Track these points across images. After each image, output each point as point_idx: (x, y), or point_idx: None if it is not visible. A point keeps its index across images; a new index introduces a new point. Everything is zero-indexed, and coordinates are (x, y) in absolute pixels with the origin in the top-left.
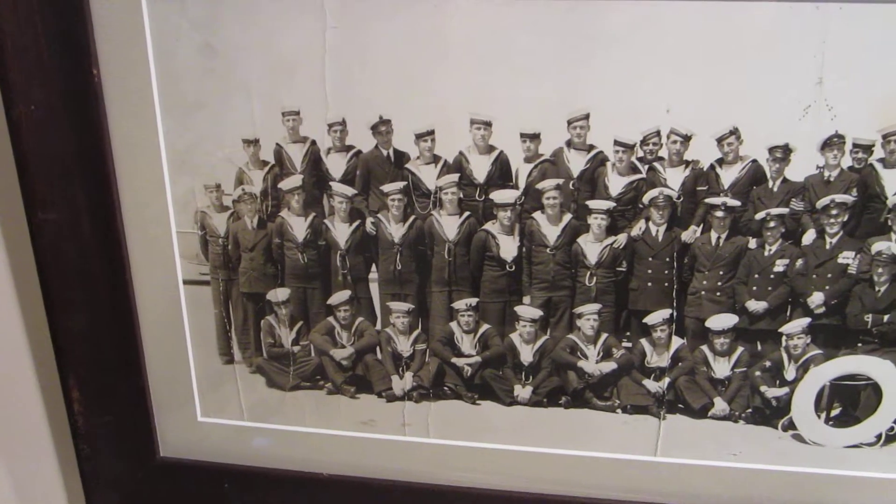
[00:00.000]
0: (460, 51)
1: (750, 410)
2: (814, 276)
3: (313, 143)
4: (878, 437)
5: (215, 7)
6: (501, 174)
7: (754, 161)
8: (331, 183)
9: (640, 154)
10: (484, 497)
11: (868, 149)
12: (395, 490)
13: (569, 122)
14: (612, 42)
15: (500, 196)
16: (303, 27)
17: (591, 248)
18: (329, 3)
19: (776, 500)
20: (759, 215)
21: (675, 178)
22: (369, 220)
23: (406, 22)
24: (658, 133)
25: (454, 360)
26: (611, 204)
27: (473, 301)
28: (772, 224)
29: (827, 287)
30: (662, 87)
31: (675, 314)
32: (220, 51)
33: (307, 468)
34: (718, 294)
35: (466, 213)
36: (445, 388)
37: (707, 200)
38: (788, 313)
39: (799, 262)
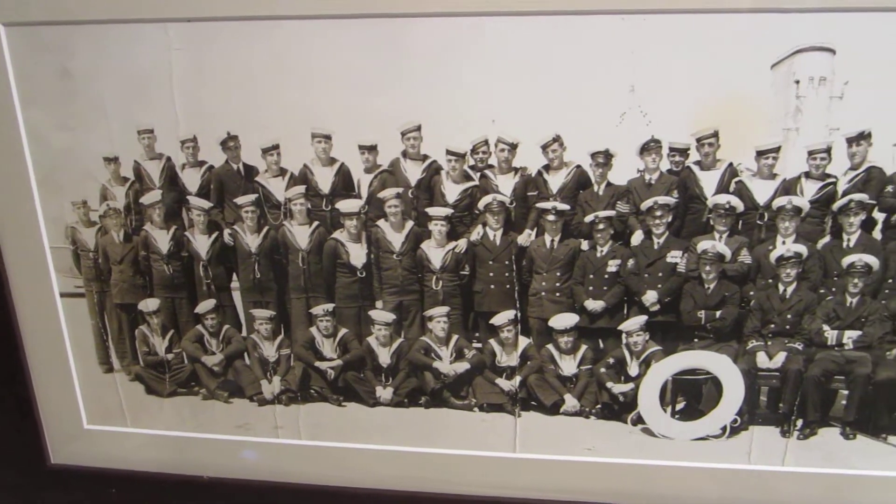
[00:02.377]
0: (298, 69)
1: (599, 406)
2: (646, 275)
3: (168, 159)
4: (724, 429)
5: (69, 33)
6: (345, 185)
7: (578, 166)
8: (188, 197)
9: (472, 162)
10: (355, 496)
11: (684, 152)
12: (272, 491)
13: (402, 134)
14: (437, 56)
15: (344, 206)
16: (150, 49)
17: (435, 253)
18: (172, 27)
19: (631, 492)
20: (588, 218)
21: (506, 185)
22: (226, 231)
23: (246, 43)
24: (486, 142)
25: (317, 363)
26: (449, 210)
27: (330, 306)
28: (601, 226)
29: (659, 285)
30: (487, 99)
31: (518, 315)
32: (76, 74)
33: (188, 471)
34: (558, 294)
35: (316, 223)
36: (312, 391)
37: (538, 205)
38: (626, 311)
39: (630, 262)
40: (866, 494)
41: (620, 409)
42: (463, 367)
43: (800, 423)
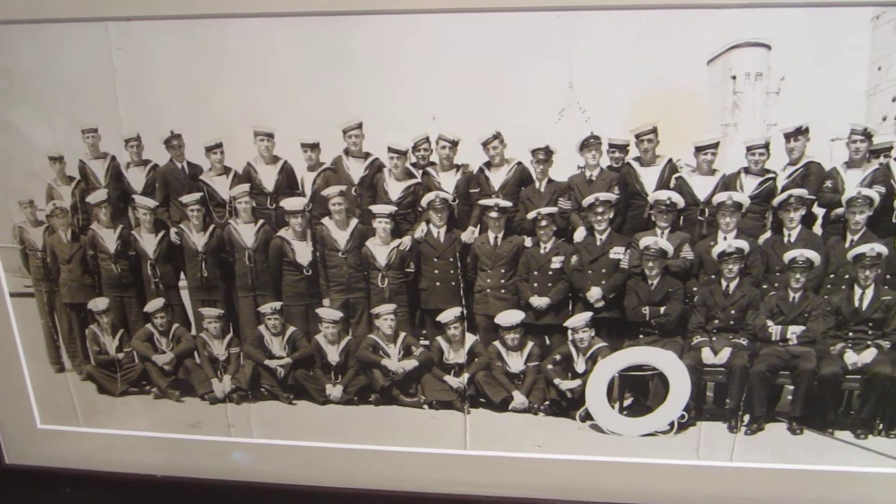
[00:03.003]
0: (240, 67)
1: (548, 403)
2: (589, 271)
3: (113, 158)
4: (672, 425)
5: (10, 33)
6: (288, 183)
7: (519, 163)
8: (133, 196)
9: (414, 160)
10: (307, 494)
11: (623, 148)
12: (225, 489)
13: (344, 132)
14: (377, 54)
15: (289, 204)
16: (92, 49)
17: (380, 250)
18: (112, 26)
19: (581, 489)
20: (531, 215)
21: (448, 182)
22: (173, 230)
23: (187, 42)
24: (427, 139)
25: (267, 361)
26: (392, 208)
27: (278, 304)
28: (543, 223)
29: (603, 282)
30: (427, 96)
31: (464, 312)
32: (17, 74)
33: (142, 470)
34: (503, 291)
35: (261, 221)
36: (263, 389)
37: (481, 202)
38: (571, 308)
39: (574, 259)
40: (814, 489)
41: (569, 406)
42: (411, 364)
43: (747, 418)
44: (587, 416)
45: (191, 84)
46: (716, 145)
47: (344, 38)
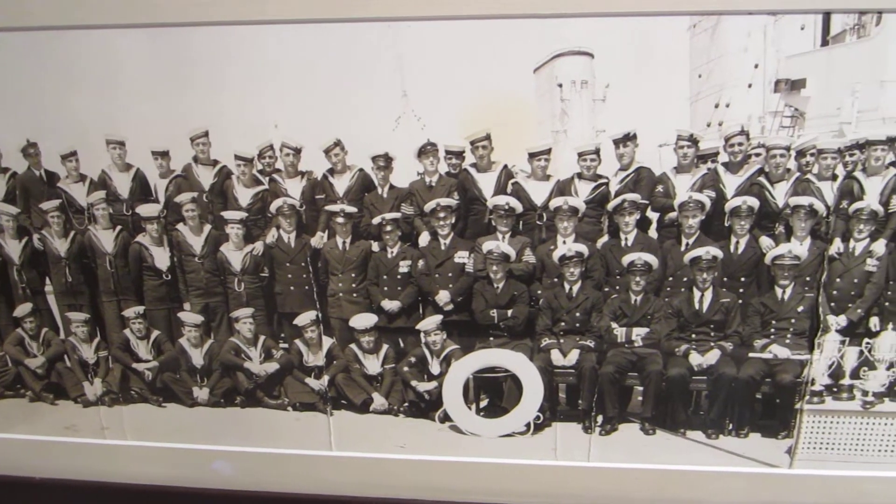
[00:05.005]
0: (90, 77)
1: (407, 404)
2: (436, 275)
3: None
4: (528, 426)
5: None
6: (142, 189)
7: (361, 170)
8: None
9: (260, 167)
10: (178, 495)
11: (460, 155)
12: (101, 491)
13: (192, 140)
14: (221, 64)
15: (144, 210)
16: None
17: (234, 255)
18: None
19: (443, 489)
20: (376, 220)
21: (294, 188)
22: (35, 236)
23: (40, 53)
24: (272, 147)
25: (134, 365)
26: (243, 214)
27: (141, 309)
28: (388, 228)
29: (450, 285)
30: (269, 104)
31: (320, 315)
32: None
33: (20, 473)
34: (355, 295)
35: (119, 227)
36: (132, 392)
37: (327, 208)
38: (422, 311)
39: (421, 263)
40: (669, 489)
41: (427, 407)
42: (272, 367)
43: (600, 419)
44: (446, 418)
45: (45, 93)
46: (548, 151)
47: (189, 48)
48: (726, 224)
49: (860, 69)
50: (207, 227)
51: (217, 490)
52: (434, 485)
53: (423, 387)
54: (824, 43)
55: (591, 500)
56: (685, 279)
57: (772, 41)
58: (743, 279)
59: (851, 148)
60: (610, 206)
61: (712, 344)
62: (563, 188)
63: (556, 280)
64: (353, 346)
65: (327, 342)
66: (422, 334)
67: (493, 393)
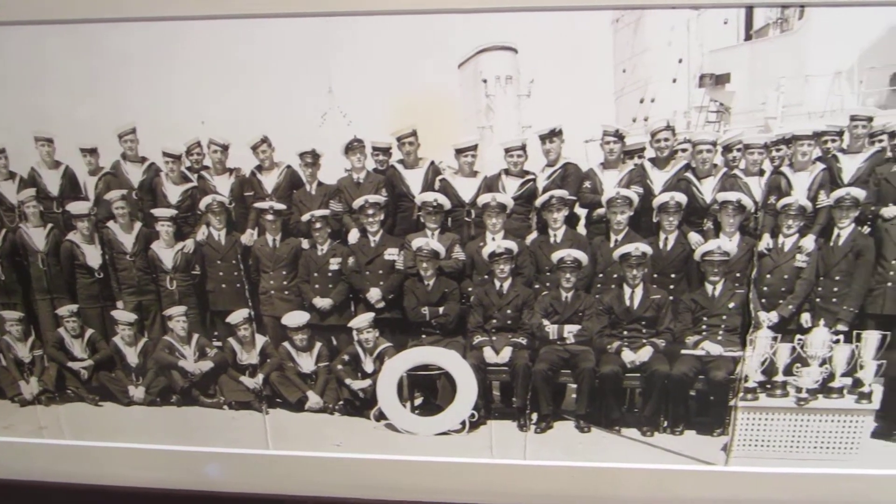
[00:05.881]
0: (16, 74)
1: (342, 403)
2: (367, 272)
3: None
4: (463, 424)
5: None
6: (72, 187)
7: (289, 167)
8: None
9: (188, 164)
10: (116, 494)
11: (387, 151)
12: (40, 491)
13: (119, 136)
14: (147, 60)
15: (74, 208)
16: None
17: (165, 253)
18: None
19: (380, 487)
20: (305, 217)
21: (223, 185)
22: None
23: None
24: (199, 143)
25: (70, 363)
26: (172, 211)
27: (74, 307)
28: (318, 225)
29: (381, 282)
30: (196, 101)
31: (252, 313)
32: None
33: None
34: (286, 293)
35: (50, 225)
36: (69, 391)
37: (256, 205)
38: (353, 309)
39: (351, 260)
40: (605, 487)
41: (362, 405)
42: (207, 365)
43: (535, 416)
44: (381, 416)
45: None
46: (474, 147)
47: (115, 45)
48: (655, 220)
49: (784, 63)
50: (138, 225)
51: (151, 489)
52: (370, 483)
53: (358, 385)
54: (748, 37)
55: (527, 498)
56: (615, 276)
57: (695, 36)
58: (673, 276)
59: (778, 143)
60: (538, 202)
61: (644, 341)
62: (490, 184)
63: (486, 277)
64: (286, 344)
65: (260, 340)
66: (354, 332)
67: (428, 391)
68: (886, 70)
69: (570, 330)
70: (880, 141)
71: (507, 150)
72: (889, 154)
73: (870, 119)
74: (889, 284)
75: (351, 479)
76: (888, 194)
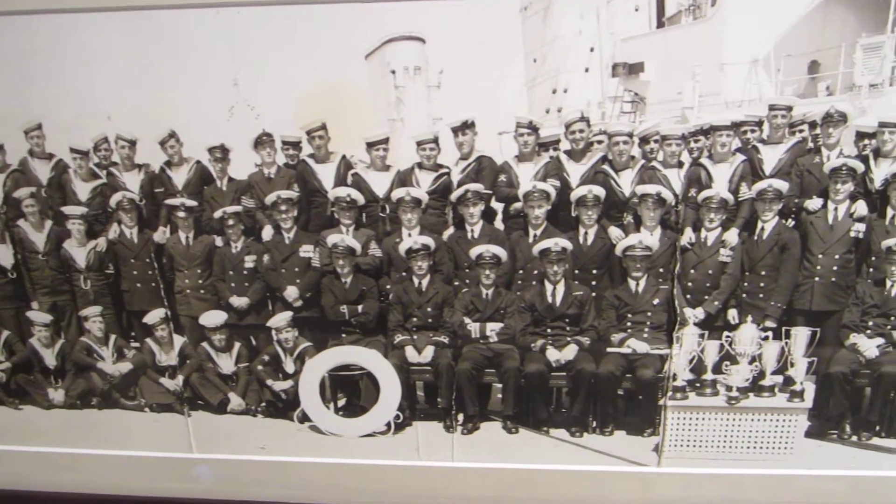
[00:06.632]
0: None
1: (264, 404)
2: (283, 270)
3: None
4: (388, 425)
5: None
6: None
7: (198, 162)
8: None
9: (97, 160)
10: (31, 500)
11: (296, 145)
12: None
13: (25, 132)
14: (52, 55)
15: None
16: None
17: (78, 252)
18: None
19: (308, 491)
20: (217, 214)
21: (132, 182)
22: None
23: None
24: (106, 139)
25: None
26: (83, 209)
27: None
28: (230, 222)
29: (298, 280)
30: (102, 96)
31: (168, 313)
32: None
33: None
34: (202, 292)
35: None
36: None
37: (167, 202)
38: (271, 308)
39: (266, 258)
40: (536, 489)
41: (285, 407)
42: (126, 366)
43: (461, 417)
44: (305, 417)
45: None
46: (386, 141)
47: (18, 39)
48: (573, 214)
49: (699, 52)
50: (49, 223)
51: (71, 494)
52: (296, 487)
53: (279, 386)
54: (660, 25)
55: (456, 501)
56: (536, 272)
57: (606, 23)
58: (595, 271)
59: (696, 134)
60: (453, 196)
61: (569, 339)
62: (404, 179)
63: (404, 274)
64: (204, 344)
65: (179, 341)
66: (273, 332)
67: (351, 391)
68: (804, 58)
69: (493, 328)
70: (801, 131)
71: (419, 144)
72: (810, 144)
73: (789, 108)
74: (817, 279)
75: (276, 483)
76: (811, 186)
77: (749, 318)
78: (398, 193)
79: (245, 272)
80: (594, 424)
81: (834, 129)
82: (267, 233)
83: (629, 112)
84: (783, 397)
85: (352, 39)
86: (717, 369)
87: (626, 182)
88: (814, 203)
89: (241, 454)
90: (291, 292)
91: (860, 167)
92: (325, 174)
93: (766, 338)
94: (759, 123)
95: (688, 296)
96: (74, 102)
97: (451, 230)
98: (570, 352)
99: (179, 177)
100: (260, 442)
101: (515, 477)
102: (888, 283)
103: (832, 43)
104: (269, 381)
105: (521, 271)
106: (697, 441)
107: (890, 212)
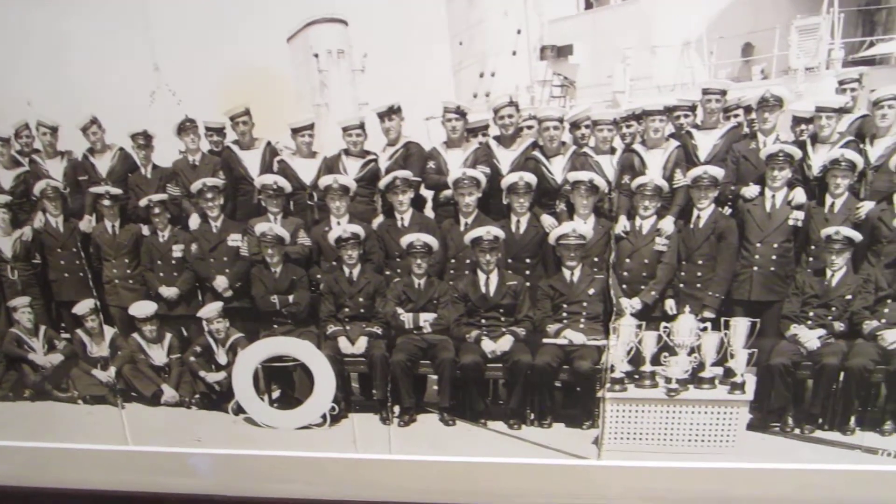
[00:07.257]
0: None
1: (198, 396)
2: (211, 259)
3: None
4: (324, 417)
5: None
6: None
7: (121, 149)
8: None
9: (18, 147)
10: None
11: (220, 131)
12: None
13: None
14: None
15: None
16: None
17: (3, 241)
18: None
19: (242, 484)
20: (143, 202)
21: (56, 169)
22: None
23: None
24: (28, 126)
25: None
26: (6, 197)
27: None
28: (156, 210)
29: (227, 270)
30: (21, 81)
31: (97, 303)
32: None
33: None
34: (131, 282)
35: None
36: None
37: (91, 190)
38: (202, 298)
39: (194, 247)
40: (472, 482)
41: (219, 399)
42: (57, 358)
43: (397, 409)
44: (239, 409)
45: None
46: (311, 126)
47: None
48: (505, 202)
49: (629, 34)
50: None
51: (9, 487)
52: (232, 480)
53: (212, 377)
54: (588, 6)
55: (395, 493)
56: (468, 261)
57: (533, 5)
58: (528, 260)
59: (628, 119)
60: (381, 183)
61: (504, 329)
62: (330, 165)
63: (334, 263)
64: (135, 335)
65: (109, 332)
66: (204, 322)
67: (285, 383)
68: (737, 40)
69: (426, 318)
70: (736, 116)
71: (344, 130)
72: (746, 130)
73: (723, 92)
74: (755, 269)
75: (212, 475)
76: (748, 173)
77: (687, 309)
78: (326, 181)
79: (173, 262)
80: (532, 417)
81: (770, 114)
82: (194, 221)
83: (559, 96)
84: (724, 389)
85: (271, 22)
86: (655, 361)
87: (557, 169)
88: (750, 190)
89: (177, 446)
90: (221, 282)
91: (797, 153)
92: (251, 161)
93: (705, 329)
94: (693, 108)
95: (624, 286)
96: None
97: (380, 218)
98: (505, 343)
99: (103, 164)
100: (195, 434)
101: (453, 470)
102: (828, 273)
103: (766, 24)
104: (202, 373)
105: (453, 260)
106: (637, 434)
107: (829, 199)
